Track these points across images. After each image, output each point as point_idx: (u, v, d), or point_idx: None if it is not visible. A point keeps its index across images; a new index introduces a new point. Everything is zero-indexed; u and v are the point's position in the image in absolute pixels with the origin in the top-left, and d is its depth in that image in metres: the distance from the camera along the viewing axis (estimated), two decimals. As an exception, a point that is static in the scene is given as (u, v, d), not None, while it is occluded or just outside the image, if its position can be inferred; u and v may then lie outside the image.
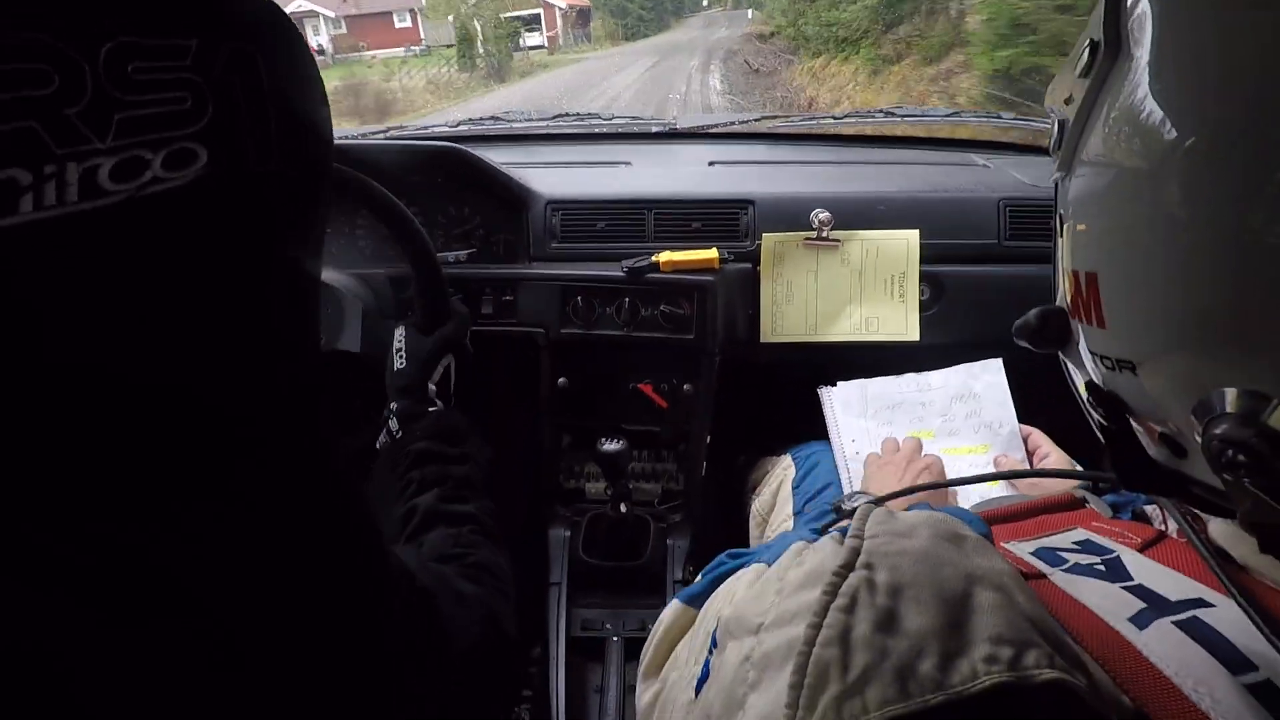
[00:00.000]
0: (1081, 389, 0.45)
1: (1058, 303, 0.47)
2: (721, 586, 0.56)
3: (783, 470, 1.18)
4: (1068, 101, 0.42)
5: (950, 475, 0.97)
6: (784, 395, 1.26)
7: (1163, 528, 0.49)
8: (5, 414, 0.33)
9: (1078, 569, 0.44)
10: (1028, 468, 1.02)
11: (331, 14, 38.28)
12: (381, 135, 1.51)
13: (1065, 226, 0.43)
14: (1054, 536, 0.50)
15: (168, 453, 0.37)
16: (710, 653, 0.45)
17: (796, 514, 1.07)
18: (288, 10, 0.43)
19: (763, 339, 1.23)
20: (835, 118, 1.58)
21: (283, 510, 0.42)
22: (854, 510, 0.46)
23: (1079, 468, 0.97)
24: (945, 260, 1.22)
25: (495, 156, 1.26)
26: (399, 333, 0.92)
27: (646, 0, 50.55)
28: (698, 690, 0.46)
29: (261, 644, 0.40)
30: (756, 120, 1.60)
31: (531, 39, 43.89)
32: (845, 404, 1.18)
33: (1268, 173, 0.28)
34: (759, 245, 1.21)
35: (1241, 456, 0.30)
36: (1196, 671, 0.34)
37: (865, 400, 1.18)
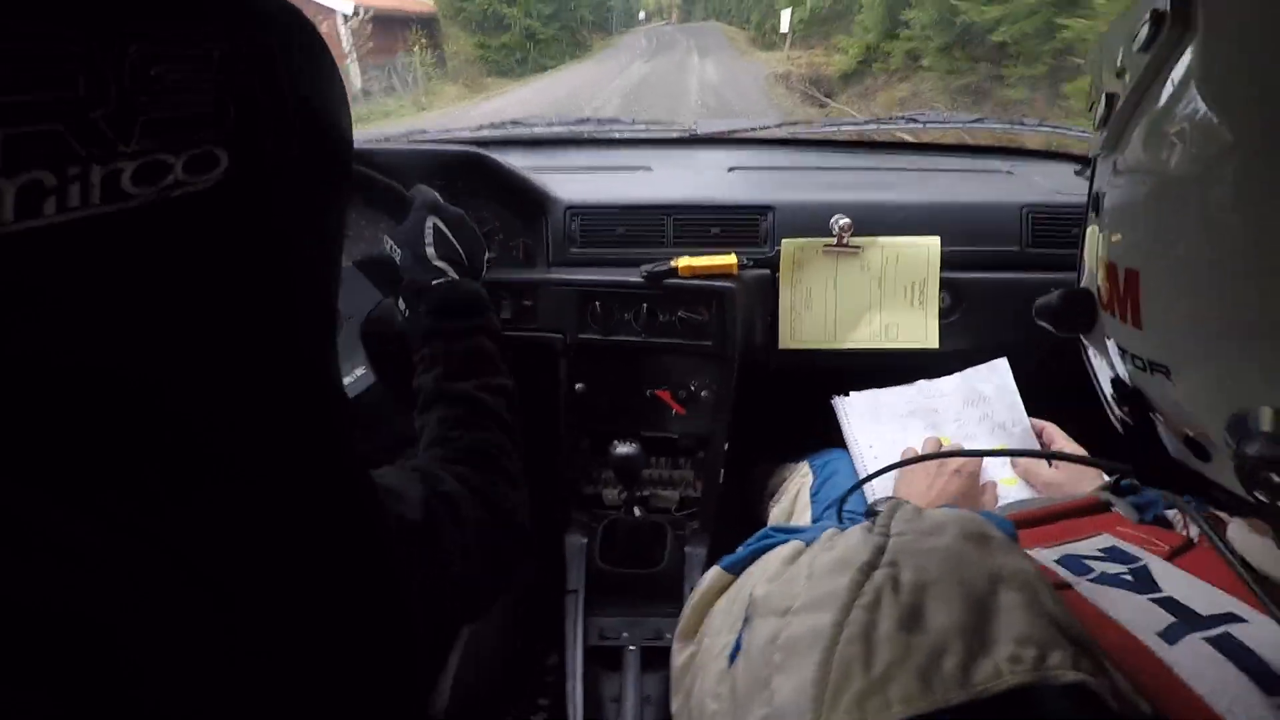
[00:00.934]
0: (1105, 383, 0.44)
1: (1084, 285, 0.45)
2: (759, 560, 0.56)
3: (801, 478, 1.17)
4: (1120, 74, 0.39)
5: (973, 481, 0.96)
6: (802, 402, 1.25)
7: (1186, 533, 0.47)
8: (25, 409, 0.33)
9: (1104, 579, 0.43)
10: (1045, 467, 1.01)
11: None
12: (403, 139, 1.52)
13: (1104, 212, 0.41)
14: (1079, 543, 0.49)
15: (184, 443, 0.37)
16: (744, 625, 0.46)
17: (814, 521, 1.06)
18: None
19: (781, 345, 1.22)
20: (856, 123, 1.57)
21: (297, 493, 0.43)
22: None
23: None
24: (966, 267, 1.20)
25: (515, 161, 1.26)
26: (385, 238, 0.90)
27: (544, 6, 26.45)
28: (731, 660, 0.46)
29: (272, 617, 0.41)
30: (777, 126, 1.60)
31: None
32: (860, 413, 1.17)
33: None
34: (778, 251, 1.20)
35: (1275, 477, 0.30)
36: (1229, 691, 0.33)
37: (879, 409, 1.17)
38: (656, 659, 1.10)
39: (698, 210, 1.23)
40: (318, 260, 0.44)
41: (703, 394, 1.24)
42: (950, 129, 1.59)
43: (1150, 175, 0.36)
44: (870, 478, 0.80)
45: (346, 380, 1.10)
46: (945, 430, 1.13)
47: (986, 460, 1.07)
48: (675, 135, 1.61)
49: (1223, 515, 0.44)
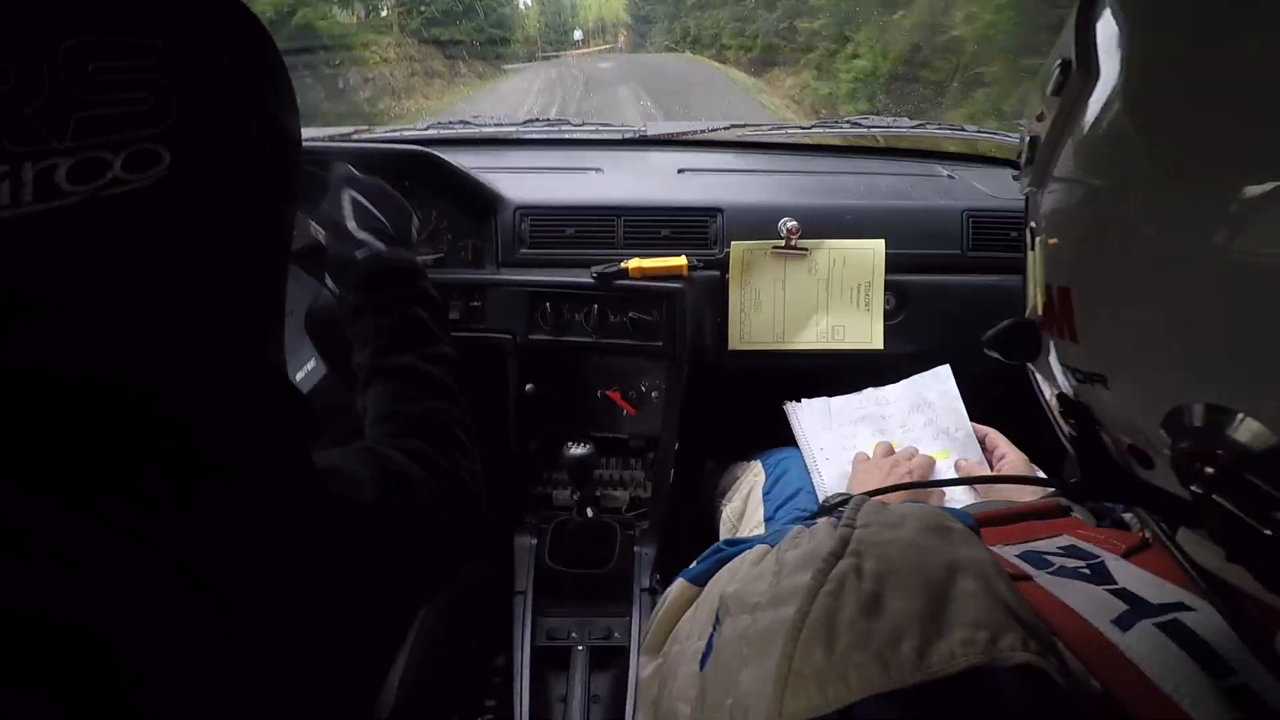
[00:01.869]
0: (1051, 401, 0.46)
1: (1028, 315, 0.47)
2: (727, 565, 0.57)
3: (753, 476, 1.19)
4: (1039, 118, 0.43)
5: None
6: (752, 403, 1.27)
7: (1142, 534, 0.50)
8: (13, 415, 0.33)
9: (1063, 572, 0.45)
10: (987, 470, 1.04)
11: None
12: (350, 137, 1.49)
13: (1037, 241, 0.44)
14: (1040, 542, 0.51)
15: (146, 444, 0.37)
16: (715, 629, 0.47)
17: (768, 520, 1.07)
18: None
19: (730, 346, 1.24)
20: (803, 127, 1.59)
21: (264, 490, 0.43)
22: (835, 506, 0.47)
23: (1037, 467, 0.99)
24: (910, 270, 1.23)
25: (464, 161, 1.25)
26: (309, 223, 0.86)
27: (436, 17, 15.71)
28: (702, 664, 0.47)
29: (268, 620, 0.41)
30: (725, 129, 1.61)
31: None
32: (811, 419, 1.19)
33: (1233, 192, 0.29)
34: (727, 253, 1.22)
35: (1209, 469, 0.31)
36: (1177, 673, 0.35)
37: (829, 415, 1.19)
38: (605, 659, 1.10)
39: (648, 212, 1.24)
40: (265, 261, 0.43)
41: (653, 395, 1.25)
42: (894, 133, 1.62)
43: (1072, 201, 0.39)
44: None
45: (299, 375, 1.07)
46: (893, 435, 1.15)
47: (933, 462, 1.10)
48: (625, 136, 1.61)
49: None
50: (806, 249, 1.21)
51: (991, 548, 0.50)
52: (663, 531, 1.27)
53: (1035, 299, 0.45)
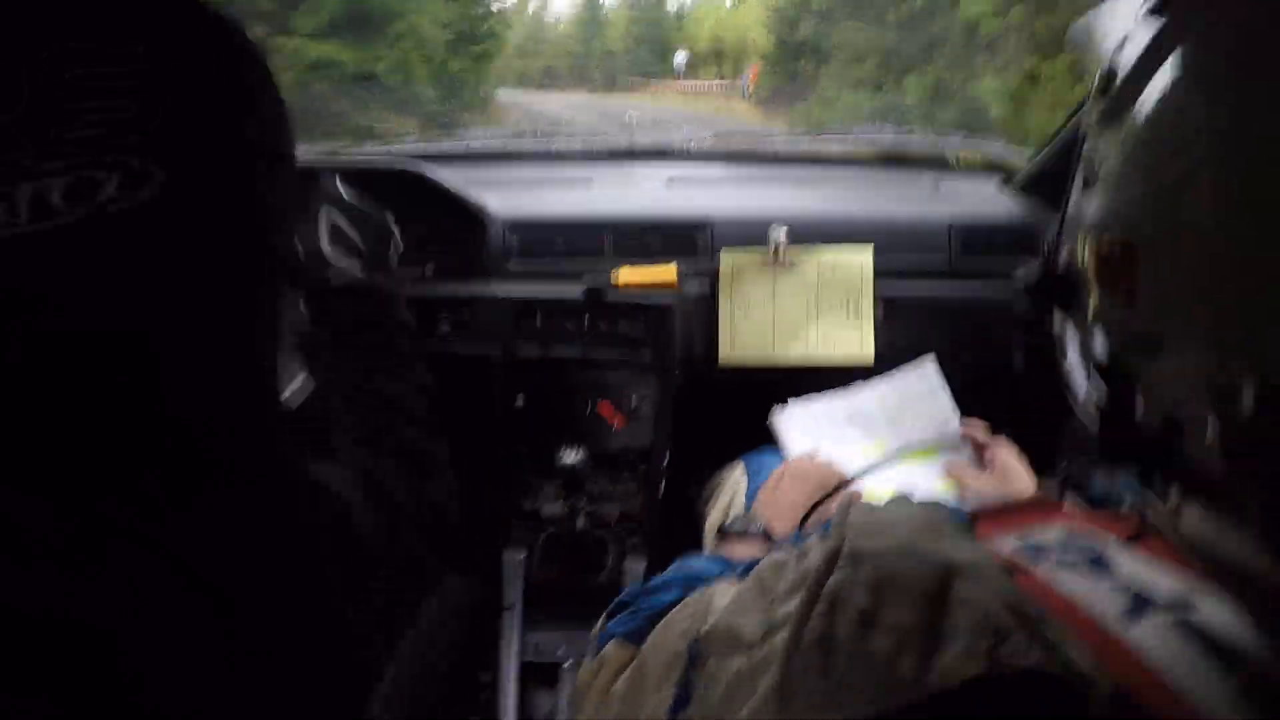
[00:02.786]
0: (1079, 358, 0.44)
1: (1063, 260, 0.44)
2: (684, 605, 0.54)
3: (736, 480, 1.18)
4: (1122, 45, 0.38)
5: (907, 483, 0.97)
6: (742, 413, 1.26)
7: (1141, 519, 0.49)
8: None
9: (1063, 564, 0.44)
10: (977, 466, 1.03)
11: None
12: (339, 152, 1.49)
13: (1100, 186, 0.40)
14: (1036, 532, 0.50)
15: (146, 444, 0.37)
16: (688, 673, 0.45)
17: None
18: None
19: (721, 358, 1.23)
20: (791, 138, 1.60)
21: (263, 491, 0.43)
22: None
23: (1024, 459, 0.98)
24: (897, 279, 1.24)
25: (452, 175, 1.25)
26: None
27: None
28: (674, 713, 0.45)
29: (269, 621, 0.41)
30: (714, 140, 1.62)
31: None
32: (799, 426, 1.18)
33: None
34: (717, 264, 1.22)
35: (1258, 452, 0.30)
36: (1186, 667, 0.34)
37: (816, 420, 1.19)
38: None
39: (637, 224, 1.24)
40: (262, 272, 0.43)
41: (643, 408, 1.25)
42: (880, 143, 1.63)
43: (1157, 148, 0.35)
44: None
45: (287, 393, 1.07)
46: (880, 434, 1.15)
47: (921, 463, 1.09)
48: (614, 149, 1.62)
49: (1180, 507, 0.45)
50: (795, 259, 1.21)
51: (989, 538, 0.49)
52: (653, 544, 1.27)
53: (1083, 247, 0.41)
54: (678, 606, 0.53)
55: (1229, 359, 0.32)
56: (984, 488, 0.96)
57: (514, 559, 1.22)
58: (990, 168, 1.50)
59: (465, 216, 1.22)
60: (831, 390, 1.21)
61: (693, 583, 0.59)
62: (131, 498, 0.36)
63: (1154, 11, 0.35)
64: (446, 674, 1.01)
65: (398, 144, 1.61)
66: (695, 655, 0.45)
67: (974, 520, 0.50)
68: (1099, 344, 0.41)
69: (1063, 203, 0.46)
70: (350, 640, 0.48)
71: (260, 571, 0.42)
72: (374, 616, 0.52)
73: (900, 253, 1.23)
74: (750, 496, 1.10)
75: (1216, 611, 0.37)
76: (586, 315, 1.19)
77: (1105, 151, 0.39)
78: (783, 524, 0.83)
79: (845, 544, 0.40)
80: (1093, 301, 0.41)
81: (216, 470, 0.40)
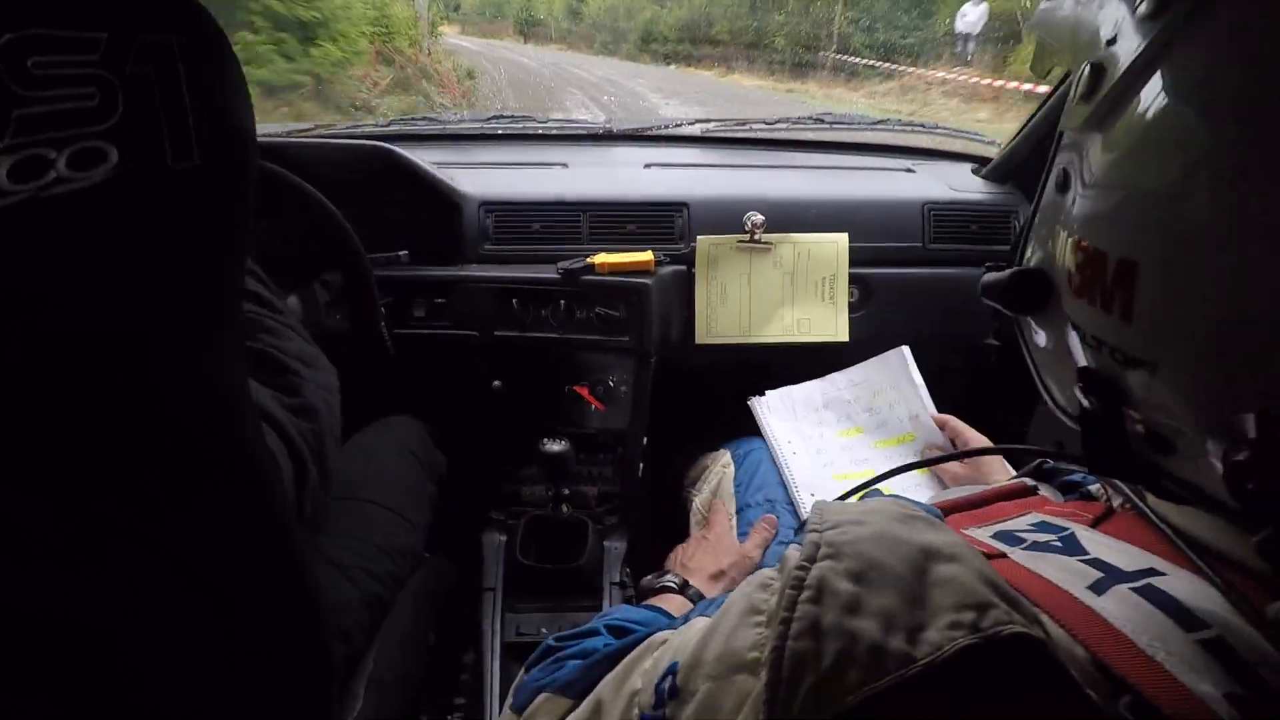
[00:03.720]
0: (1058, 367, 0.44)
1: (1033, 265, 0.44)
2: (662, 647, 0.51)
3: (721, 467, 1.19)
4: (1111, 42, 0.36)
5: (882, 467, 0.99)
6: (720, 396, 1.28)
7: (1108, 505, 0.50)
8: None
9: (1036, 546, 0.45)
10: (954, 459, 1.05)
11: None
12: (311, 133, 1.47)
13: (1079, 194, 0.39)
14: (1011, 521, 0.52)
15: (146, 444, 0.37)
16: (659, 707, 0.44)
17: (739, 511, 1.08)
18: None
19: (698, 340, 1.24)
20: (767, 123, 1.61)
21: (262, 489, 0.43)
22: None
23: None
24: (873, 263, 1.25)
25: (427, 156, 1.24)
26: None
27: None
28: None
29: (266, 620, 0.41)
30: (691, 124, 1.62)
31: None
32: (776, 412, 1.20)
33: None
34: (694, 248, 1.22)
35: (1260, 482, 0.31)
36: (1151, 629, 0.35)
37: (794, 406, 1.20)
38: (577, 654, 1.10)
39: (614, 207, 1.24)
40: (222, 260, 0.42)
41: (621, 389, 1.25)
42: (856, 130, 1.64)
43: (1159, 164, 0.33)
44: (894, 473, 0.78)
45: None
46: (858, 420, 1.17)
47: (897, 448, 1.11)
48: (591, 132, 1.61)
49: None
50: (771, 243, 1.22)
51: (964, 530, 0.50)
52: (632, 526, 1.28)
53: (1062, 255, 0.40)
54: (636, 650, 0.52)
55: (1232, 383, 0.32)
56: (959, 472, 0.98)
57: (494, 541, 1.22)
58: (964, 156, 1.52)
59: (438, 198, 1.21)
60: (807, 374, 1.22)
61: (621, 630, 0.58)
62: (131, 494, 0.36)
63: (1152, 16, 0.33)
64: (430, 655, 1.01)
65: (369, 124, 1.59)
66: (673, 689, 0.44)
67: (946, 514, 0.52)
68: (1084, 355, 0.40)
69: (1034, 205, 0.45)
70: (333, 626, 0.48)
71: (254, 567, 0.42)
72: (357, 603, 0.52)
73: (875, 236, 1.25)
74: (738, 484, 1.12)
75: (1176, 580, 0.38)
76: (563, 298, 1.19)
77: (1092, 156, 0.38)
78: (696, 580, 0.88)
79: (823, 537, 0.41)
80: (1074, 310, 0.40)
81: (216, 460, 0.40)
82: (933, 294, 1.26)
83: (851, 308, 1.25)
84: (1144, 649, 0.35)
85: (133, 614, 0.35)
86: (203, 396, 0.41)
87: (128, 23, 0.35)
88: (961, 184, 1.36)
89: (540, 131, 1.61)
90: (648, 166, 1.44)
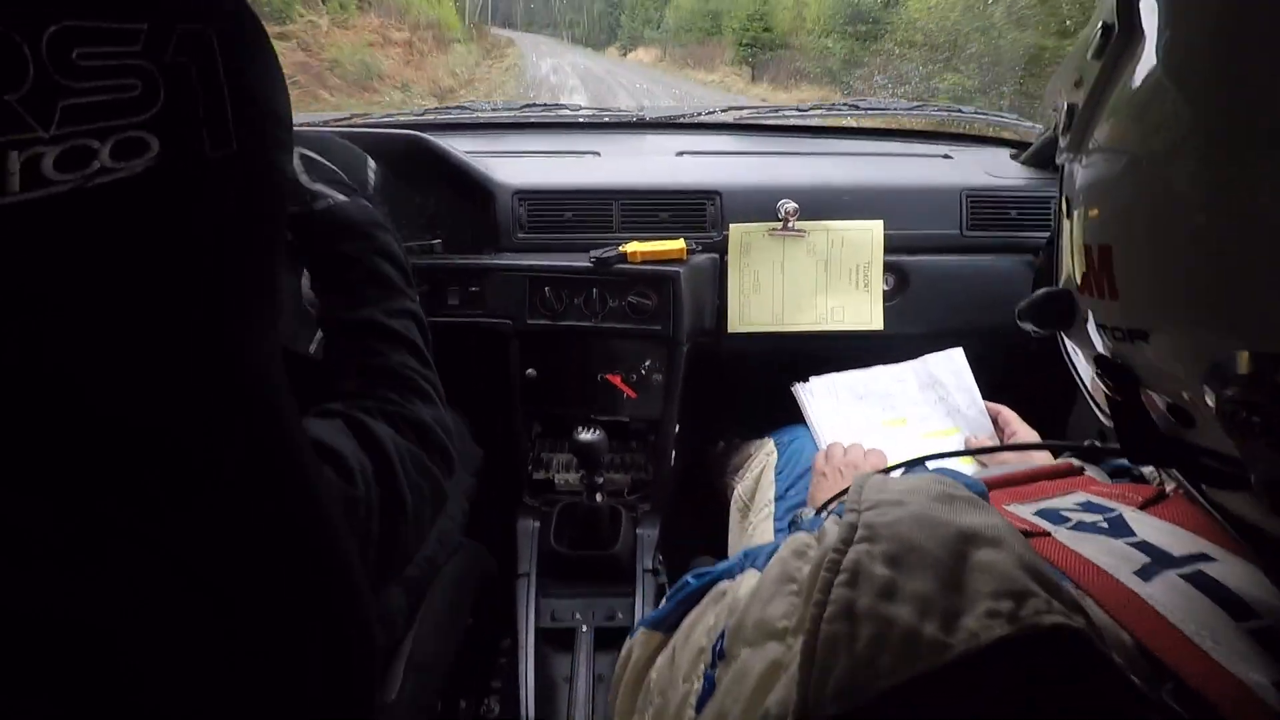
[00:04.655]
0: (1087, 367, 0.45)
1: (1063, 285, 0.47)
2: (709, 597, 0.54)
3: (765, 455, 1.19)
4: (1077, 84, 0.42)
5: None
6: (753, 384, 1.27)
7: (1160, 487, 0.49)
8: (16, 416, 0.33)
9: (1081, 526, 0.45)
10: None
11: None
12: (346, 122, 1.48)
13: (1075, 209, 0.43)
14: (1055, 499, 0.51)
15: (146, 444, 0.37)
16: (713, 666, 0.45)
17: (779, 498, 1.08)
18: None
19: (729, 329, 1.24)
20: (800, 110, 1.59)
21: (264, 488, 0.42)
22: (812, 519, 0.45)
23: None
24: (908, 250, 1.24)
25: (461, 145, 1.25)
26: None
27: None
28: (699, 707, 0.46)
29: (269, 619, 0.41)
30: (723, 111, 1.61)
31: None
32: (820, 398, 1.19)
33: (1275, 153, 0.29)
34: (726, 235, 1.22)
35: (1256, 418, 0.31)
36: (1199, 617, 0.35)
37: (838, 393, 1.19)
38: (609, 639, 1.11)
39: (646, 195, 1.24)
40: (259, 246, 0.43)
41: (653, 377, 1.25)
42: (891, 115, 1.62)
43: (1112, 166, 0.39)
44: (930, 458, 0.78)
45: (312, 348, 1.07)
46: (902, 412, 1.16)
47: (943, 441, 1.10)
48: (623, 120, 1.61)
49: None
50: (805, 230, 1.21)
51: (1007, 506, 0.50)
52: (664, 513, 1.28)
53: (1071, 266, 0.44)
54: (707, 596, 0.54)
55: (1214, 339, 0.33)
56: (1006, 457, 0.97)
57: (527, 528, 1.23)
58: (1002, 141, 1.49)
59: (473, 186, 1.22)
60: (841, 362, 1.22)
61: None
62: (131, 494, 0.36)
63: (1098, 54, 0.40)
64: (466, 639, 1.02)
65: (405, 113, 1.60)
66: (721, 651, 0.45)
67: (989, 489, 0.51)
68: (1098, 346, 0.42)
69: (1053, 233, 0.49)
70: (371, 617, 0.49)
71: (270, 560, 0.42)
72: (396, 588, 0.52)
73: (911, 223, 1.23)
74: (779, 472, 1.12)
75: (1227, 567, 0.37)
76: (596, 287, 1.19)
77: (1076, 175, 0.43)
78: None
79: (860, 518, 0.40)
80: (1084, 305, 0.43)
81: (220, 459, 0.40)
82: (970, 281, 1.24)
83: (886, 296, 1.24)
84: (1191, 637, 0.34)
85: (132, 614, 0.35)
86: (240, 387, 0.41)
87: (166, 13, 0.36)
88: (1000, 170, 1.33)
89: (573, 120, 1.61)
90: (680, 154, 1.44)
